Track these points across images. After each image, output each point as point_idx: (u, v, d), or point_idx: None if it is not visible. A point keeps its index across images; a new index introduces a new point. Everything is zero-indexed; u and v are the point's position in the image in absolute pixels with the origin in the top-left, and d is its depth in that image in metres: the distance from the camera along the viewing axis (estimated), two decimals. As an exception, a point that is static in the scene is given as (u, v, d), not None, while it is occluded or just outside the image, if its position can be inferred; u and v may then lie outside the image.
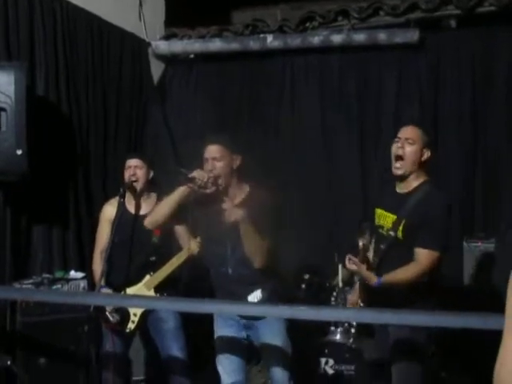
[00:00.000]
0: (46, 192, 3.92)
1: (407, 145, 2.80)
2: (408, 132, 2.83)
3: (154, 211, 3.15)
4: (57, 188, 4.04)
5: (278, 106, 4.98)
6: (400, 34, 4.59)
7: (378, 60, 4.76)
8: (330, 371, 3.57)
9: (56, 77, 4.10)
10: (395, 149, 2.83)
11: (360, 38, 4.67)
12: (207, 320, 3.10)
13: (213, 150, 2.95)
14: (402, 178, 2.86)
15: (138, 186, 3.50)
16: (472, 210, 4.32)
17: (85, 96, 4.42)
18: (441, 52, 4.61)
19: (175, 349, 3.42)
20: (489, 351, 3.21)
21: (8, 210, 3.72)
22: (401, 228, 2.79)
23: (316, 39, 4.76)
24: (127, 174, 3.50)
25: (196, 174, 2.89)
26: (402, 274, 2.74)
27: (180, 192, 2.97)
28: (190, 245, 3.37)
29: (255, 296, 2.92)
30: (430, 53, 4.62)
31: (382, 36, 4.63)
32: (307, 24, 4.98)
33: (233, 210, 2.83)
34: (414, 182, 2.86)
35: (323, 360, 3.57)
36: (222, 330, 3.07)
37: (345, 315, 2.05)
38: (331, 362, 3.56)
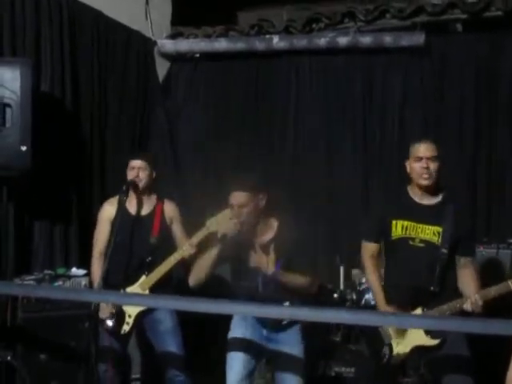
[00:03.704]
0: (49, 188, 3.93)
1: (431, 162, 2.91)
2: (430, 151, 2.92)
3: (196, 271, 3.04)
4: (60, 185, 4.03)
5: (283, 107, 4.97)
6: (406, 37, 4.58)
7: (383, 63, 4.75)
8: (331, 373, 3.56)
9: (61, 74, 4.11)
10: (420, 169, 2.91)
11: (366, 40, 4.67)
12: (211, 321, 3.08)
13: (238, 198, 2.90)
14: (427, 191, 2.97)
15: (141, 186, 3.50)
16: (474, 214, 4.30)
17: (90, 93, 4.42)
18: (446, 56, 4.60)
19: (172, 347, 3.42)
20: (494, 356, 3.23)
21: (11, 205, 3.72)
22: (448, 238, 2.89)
23: (322, 41, 4.75)
24: (131, 175, 3.49)
25: (227, 229, 2.89)
26: (478, 283, 2.88)
27: (216, 251, 2.93)
28: (184, 246, 3.36)
29: None
30: (436, 56, 4.61)
31: (387, 39, 4.62)
32: (313, 25, 4.97)
33: (267, 262, 2.86)
34: (436, 193, 2.98)
35: (324, 362, 3.57)
36: (238, 331, 3.06)
37: (347, 318, 2.03)
38: (332, 363, 3.56)
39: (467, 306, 2.76)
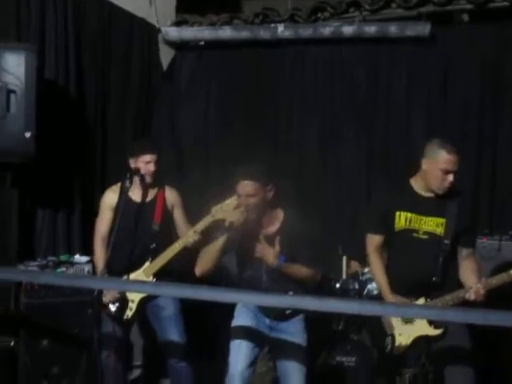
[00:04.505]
0: (53, 175, 3.93)
1: (455, 174, 2.92)
2: (457, 164, 2.92)
3: (202, 260, 3.04)
4: (63, 171, 4.03)
5: (287, 97, 4.94)
6: (411, 26, 4.54)
7: (388, 52, 4.71)
8: (332, 362, 3.58)
9: (65, 61, 4.10)
10: (445, 182, 2.91)
11: (371, 30, 4.63)
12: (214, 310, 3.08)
13: (246, 187, 2.90)
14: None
15: (150, 179, 3.50)
16: (477, 206, 4.29)
17: (93, 80, 4.41)
18: (452, 46, 4.56)
19: (174, 334, 3.43)
20: (495, 347, 3.24)
21: (15, 191, 3.72)
22: (451, 230, 2.91)
23: (327, 30, 4.71)
24: (145, 169, 3.45)
25: (233, 218, 2.89)
26: (479, 273, 2.91)
27: (223, 240, 2.94)
28: (188, 233, 3.35)
29: None
30: (441, 47, 4.57)
31: (392, 28, 4.58)
32: (318, 14, 4.93)
33: (271, 254, 2.86)
34: None
35: (325, 351, 3.58)
36: (241, 319, 3.07)
37: (349, 307, 2.03)
38: (333, 353, 3.57)
39: (470, 296, 2.77)
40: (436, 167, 2.90)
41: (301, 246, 2.96)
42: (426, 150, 2.97)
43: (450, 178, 2.89)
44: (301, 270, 2.95)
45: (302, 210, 3.20)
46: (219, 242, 2.94)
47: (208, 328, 3.85)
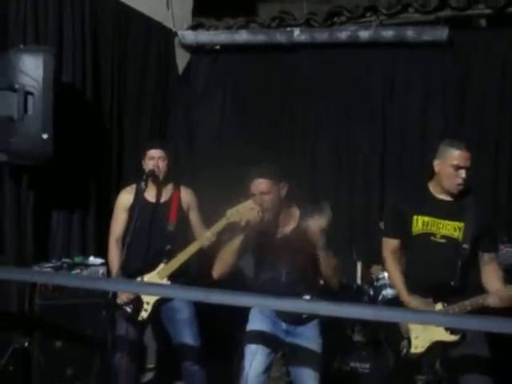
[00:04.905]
0: (69, 177, 3.95)
1: (466, 171, 2.90)
2: (469, 160, 2.90)
3: (220, 262, 3.02)
4: (79, 173, 4.05)
5: (303, 101, 4.92)
6: (429, 31, 4.52)
7: (405, 57, 4.68)
8: (346, 368, 3.55)
9: (82, 64, 4.12)
10: (457, 178, 2.88)
11: (388, 34, 4.60)
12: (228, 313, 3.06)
13: (260, 185, 2.91)
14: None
15: (161, 176, 3.50)
16: (495, 214, 4.24)
17: (110, 83, 4.42)
18: (470, 51, 4.53)
19: (188, 337, 3.42)
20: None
21: (31, 193, 3.75)
22: (469, 234, 2.87)
23: (343, 34, 4.69)
24: (151, 164, 3.49)
25: (249, 217, 2.88)
26: (503, 278, 2.87)
27: (239, 240, 2.94)
28: (204, 235, 3.34)
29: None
30: (459, 51, 4.54)
31: (410, 33, 4.56)
32: (334, 19, 4.92)
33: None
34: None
35: (339, 357, 3.56)
36: (257, 324, 3.05)
37: (365, 313, 2.01)
38: (347, 359, 3.54)
39: (494, 301, 2.72)
40: (447, 165, 2.90)
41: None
42: (438, 152, 2.97)
43: (462, 174, 2.87)
44: (331, 259, 2.92)
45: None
46: (236, 243, 2.93)
47: (222, 331, 3.83)
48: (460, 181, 2.88)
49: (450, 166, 2.89)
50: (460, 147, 2.89)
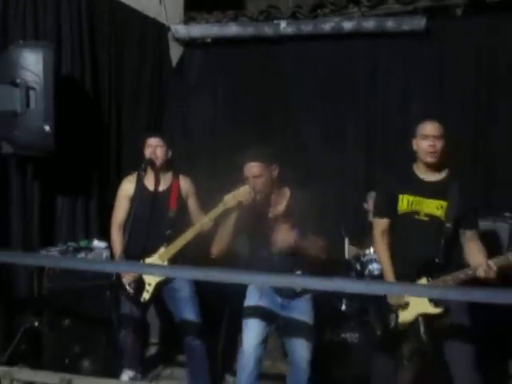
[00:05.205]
0: (71, 167, 3.93)
1: (437, 141, 2.91)
2: (436, 129, 2.93)
3: (217, 241, 3.07)
4: (80, 163, 4.03)
5: (291, 88, 4.88)
6: (407, 21, 4.49)
7: (386, 47, 4.66)
8: (337, 339, 3.57)
9: (81, 58, 4.08)
10: (427, 147, 2.91)
11: (369, 25, 4.58)
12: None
13: (253, 169, 2.95)
14: (432, 167, 2.96)
15: (158, 163, 3.49)
16: (474, 189, 4.25)
17: (107, 77, 4.39)
18: (447, 39, 4.50)
19: (190, 314, 3.44)
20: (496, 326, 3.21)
21: (36, 183, 3.74)
22: (452, 213, 2.87)
23: (327, 26, 4.66)
24: (148, 152, 3.49)
25: (246, 191, 2.91)
26: (486, 253, 2.85)
27: (234, 217, 2.98)
28: (202, 220, 3.32)
29: None
30: (437, 40, 4.52)
31: (390, 23, 4.53)
32: (319, 11, 4.88)
33: (284, 234, 2.86)
34: (441, 170, 2.97)
35: (330, 328, 3.57)
36: (254, 299, 3.08)
37: (356, 287, 2.02)
38: (337, 330, 3.56)
39: (480, 273, 2.71)
40: (419, 138, 2.94)
41: (309, 222, 2.98)
42: (415, 132, 3.01)
43: (431, 141, 2.88)
44: (317, 242, 2.95)
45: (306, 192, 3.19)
46: (231, 222, 2.98)
47: (221, 308, 3.84)
48: (430, 148, 2.89)
49: (421, 137, 2.93)
50: (429, 120, 2.95)
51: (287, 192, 3.07)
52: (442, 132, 2.92)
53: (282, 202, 3.05)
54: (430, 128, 2.93)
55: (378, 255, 3.24)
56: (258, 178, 2.94)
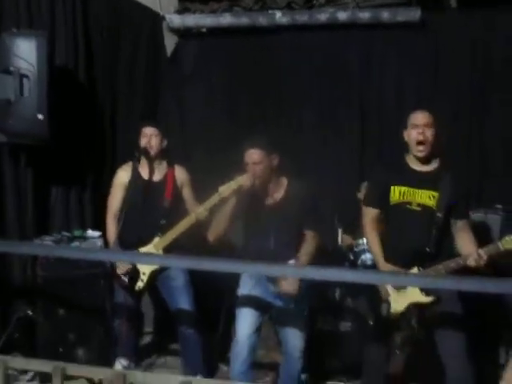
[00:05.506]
0: (65, 155, 3.91)
1: (426, 129, 2.89)
2: (425, 118, 2.91)
3: (214, 226, 3.07)
4: (74, 152, 4.01)
5: (286, 78, 4.87)
6: (402, 12, 4.48)
7: (381, 38, 4.65)
8: (329, 328, 3.59)
9: (75, 47, 4.05)
10: (416, 135, 2.89)
11: (365, 16, 4.57)
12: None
13: (253, 155, 2.97)
14: (424, 159, 2.94)
15: (153, 152, 3.48)
16: (468, 182, 4.26)
17: (102, 66, 4.36)
18: (441, 31, 4.51)
19: (184, 303, 3.44)
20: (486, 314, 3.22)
21: (30, 171, 3.71)
22: (443, 203, 2.87)
23: (322, 16, 4.65)
24: (143, 141, 3.48)
25: (242, 182, 2.94)
26: (476, 242, 2.85)
27: (232, 203, 2.99)
28: (197, 210, 3.32)
29: None
30: (431, 31, 4.52)
31: (385, 14, 4.53)
32: (314, 1, 4.85)
33: (290, 284, 2.91)
34: (433, 161, 2.96)
35: (322, 317, 3.59)
36: (247, 288, 3.09)
37: (349, 276, 2.03)
38: (330, 319, 3.58)
39: (470, 262, 2.73)
40: (410, 128, 2.93)
41: (306, 211, 3.02)
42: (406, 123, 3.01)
43: (420, 130, 2.86)
44: (312, 252, 3.01)
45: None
46: (228, 207, 2.99)
47: (215, 297, 3.85)
48: (420, 137, 2.87)
49: (411, 127, 2.92)
50: (419, 110, 2.94)
51: (285, 181, 3.09)
52: (431, 121, 2.90)
53: (279, 191, 3.07)
54: (419, 117, 2.92)
55: (368, 242, 3.25)
56: (257, 165, 2.96)
